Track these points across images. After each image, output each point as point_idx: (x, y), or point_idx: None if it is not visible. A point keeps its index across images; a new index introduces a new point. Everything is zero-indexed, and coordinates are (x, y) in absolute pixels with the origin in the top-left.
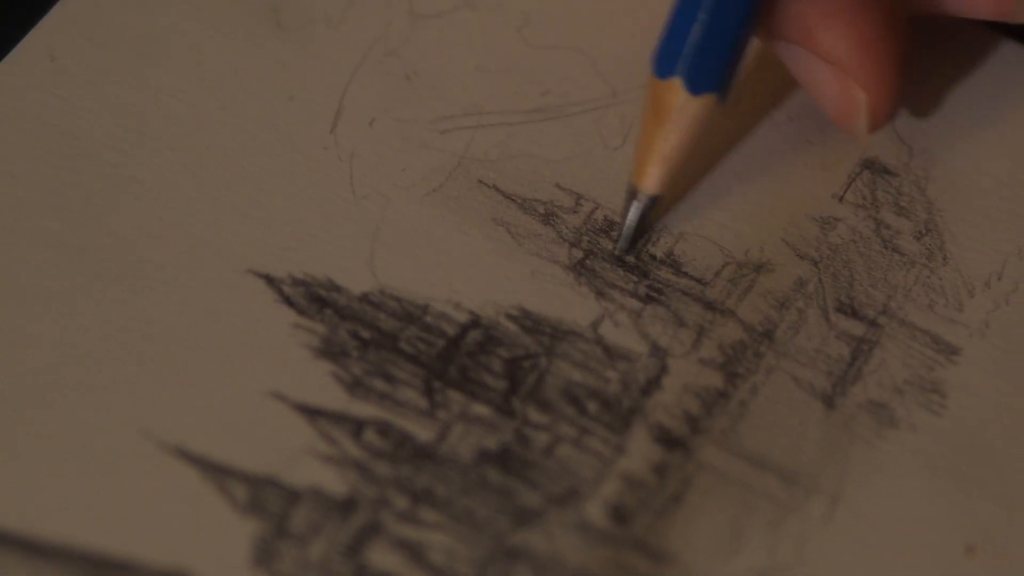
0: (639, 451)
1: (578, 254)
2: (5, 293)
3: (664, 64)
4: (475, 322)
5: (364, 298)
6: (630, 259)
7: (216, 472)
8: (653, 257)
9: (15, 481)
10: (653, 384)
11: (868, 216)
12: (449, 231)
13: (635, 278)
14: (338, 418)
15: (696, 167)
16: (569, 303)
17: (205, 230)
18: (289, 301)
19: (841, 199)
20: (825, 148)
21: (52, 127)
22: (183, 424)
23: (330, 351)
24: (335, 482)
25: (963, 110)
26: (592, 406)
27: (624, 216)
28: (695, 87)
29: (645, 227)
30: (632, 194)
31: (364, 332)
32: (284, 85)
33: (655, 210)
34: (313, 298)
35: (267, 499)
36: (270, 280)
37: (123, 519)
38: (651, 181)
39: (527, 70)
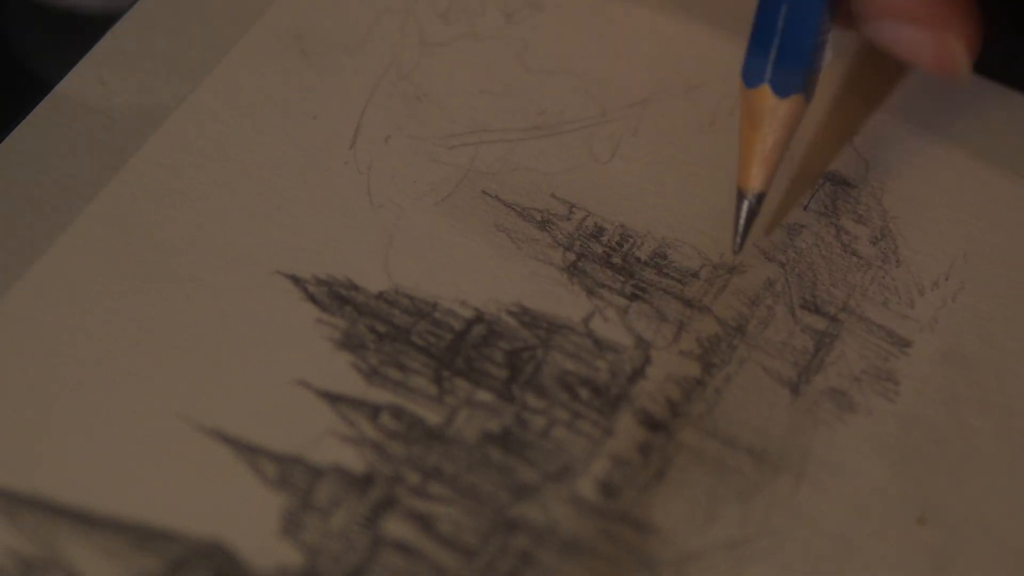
0: (625, 433)
1: (571, 257)
2: (62, 290)
3: (752, 74)
4: (479, 318)
5: (380, 296)
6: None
7: (248, 451)
8: (638, 259)
9: (70, 460)
10: (638, 373)
11: (830, 223)
12: (456, 236)
13: (622, 278)
14: (357, 403)
15: (670, 176)
16: (563, 301)
17: (238, 236)
18: (313, 299)
19: (806, 208)
20: (792, 163)
21: (103, 144)
22: (218, 409)
23: (350, 343)
24: (354, 460)
25: (916, 128)
26: (584, 392)
27: (737, 216)
28: (781, 91)
29: (753, 223)
30: (741, 195)
31: (380, 326)
32: (308, 107)
33: (760, 206)
34: (335, 296)
35: (294, 476)
36: (296, 280)
37: (165, 494)
38: (756, 181)
39: (526, 92)
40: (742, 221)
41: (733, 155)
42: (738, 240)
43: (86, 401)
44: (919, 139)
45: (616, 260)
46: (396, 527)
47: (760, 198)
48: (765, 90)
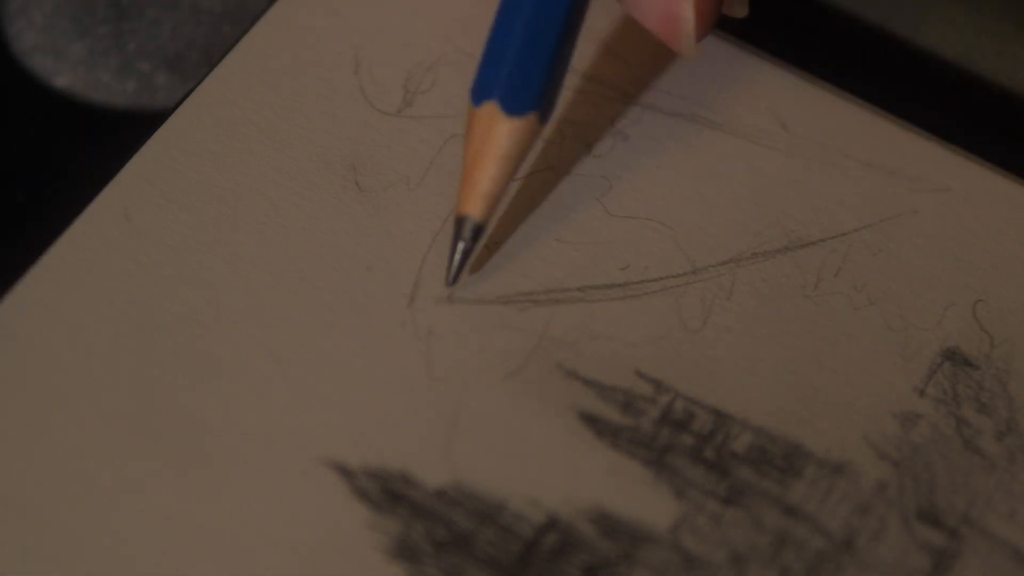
0: None
1: (657, 449)
2: (76, 476)
3: (479, 90)
4: (552, 524)
5: (440, 494)
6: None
7: None
8: (733, 454)
9: None
10: None
11: (949, 413)
12: (527, 420)
13: (715, 477)
14: None
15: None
16: (648, 504)
17: (281, 413)
18: (363, 495)
19: (923, 393)
20: (906, 335)
21: (127, 294)
22: None
23: (404, 553)
24: None
25: None
26: None
27: (453, 246)
28: (512, 109)
29: (469, 256)
30: (459, 223)
31: (439, 532)
32: (362, 253)
33: (480, 239)
34: (387, 493)
35: None
36: (345, 472)
37: None
38: (475, 211)
39: (607, 242)
40: (457, 255)
41: (840, 325)
42: (450, 276)
43: None
44: None
45: (708, 454)
46: None
47: (478, 230)
48: (492, 108)
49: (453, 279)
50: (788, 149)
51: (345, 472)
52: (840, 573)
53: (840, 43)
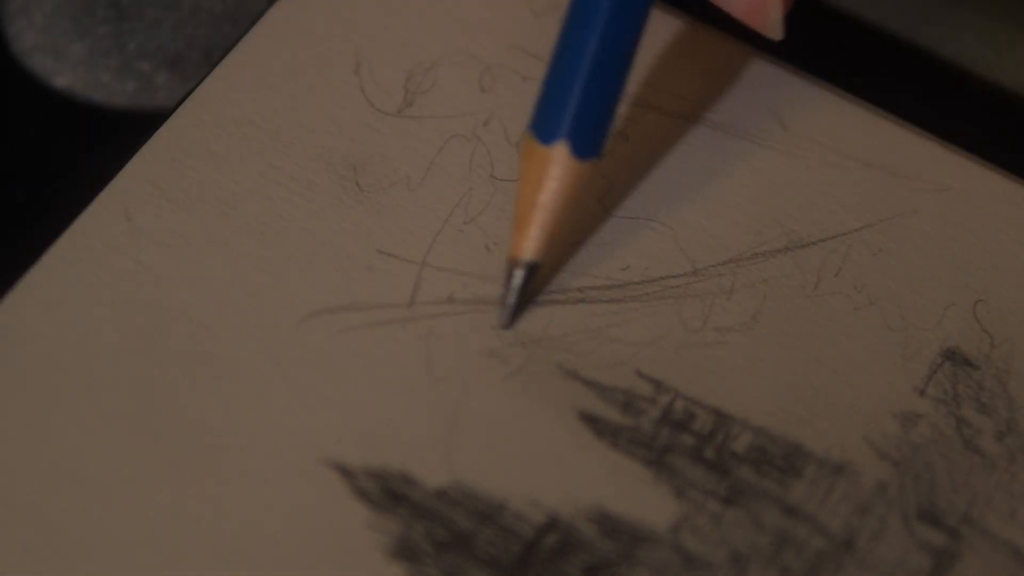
0: None
1: (657, 449)
2: (76, 476)
3: (547, 128)
4: (553, 524)
5: (440, 494)
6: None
7: None
8: (734, 454)
9: None
10: None
11: (949, 413)
12: (527, 420)
13: (715, 477)
14: None
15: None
16: (648, 504)
17: (281, 413)
18: (363, 495)
19: (923, 393)
20: (906, 336)
21: (127, 294)
22: None
23: (404, 553)
24: None
25: None
26: None
27: (507, 287)
28: (581, 152)
29: (527, 297)
30: (513, 264)
31: (439, 533)
32: (363, 254)
33: (536, 279)
34: (387, 493)
35: None
36: (345, 472)
37: None
38: (532, 249)
39: (607, 242)
40: (514, 295)
41: (840, 325)
42: (507, 316)
43: None
44: None
45: (709, 454)
46: None
47: (534, 269)
48: (562, 149)
49: (507, 321)
50: (788, 149)
51: (345, 472)
52: (840, 573)
53: (840, 43)
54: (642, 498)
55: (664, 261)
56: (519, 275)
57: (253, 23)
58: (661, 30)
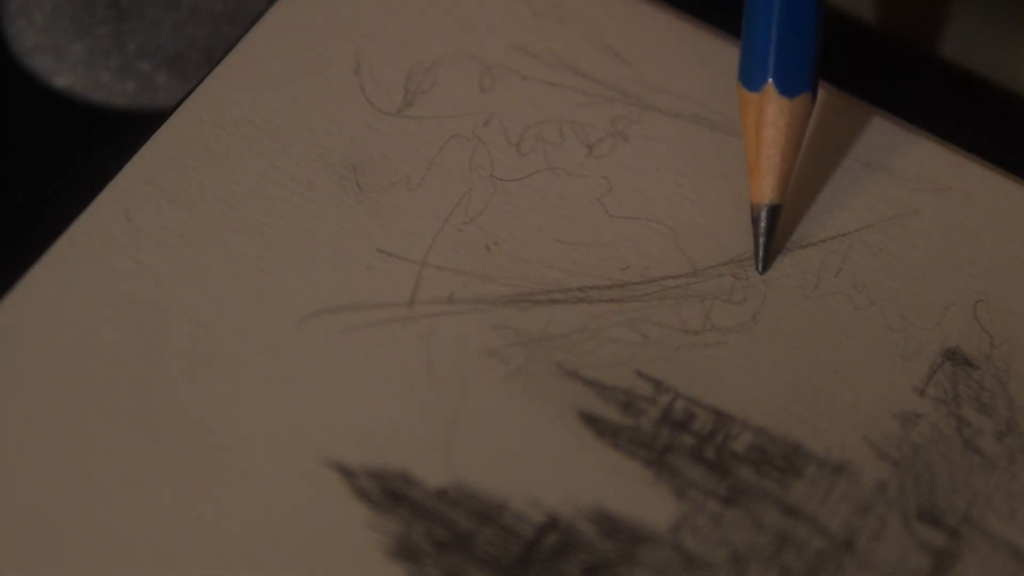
0: None
1: (657, 449)
2: (76, 476)
3: (752, 75)
4: (553, 523)
5: (440, 494)
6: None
7: None
8: (734, 454)
9: None
10: None
11: (949, 413)
12: (527, 420)
13: (715, 477)
14: None
15: (770, 350)
16: (648, 504)
17: (281, 413)
18: (363, 495)
19: (923, 393)
20: (906, 336)
21: (127, 294)
22: None
23: (404, 553)
24: None
25: None
26: None
27: (756, 236)
28: (789, 91)
29: (775, 240)
30: (758, 210)
31: (439, 533)
32: (363, 254)
33: (781, 221)
34: (387, 493)
35: None
36: (345, 472)
37: None
38: (771, 193)
39: (607, 243)
40: (762, 239)
41: (840, 325)
42: (760, 262)
43: None
44: None
45: (709, 454)
46: None
47: (776, 210)
48: (770, 91)
49: (765, 265)
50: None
51: (345, 472)
52: (840, 573)
53: (840, 43)
54: (642, 498)
55: (664, 261)
56: (764, 218)
57: (253, 23)
58: (661, 30)
